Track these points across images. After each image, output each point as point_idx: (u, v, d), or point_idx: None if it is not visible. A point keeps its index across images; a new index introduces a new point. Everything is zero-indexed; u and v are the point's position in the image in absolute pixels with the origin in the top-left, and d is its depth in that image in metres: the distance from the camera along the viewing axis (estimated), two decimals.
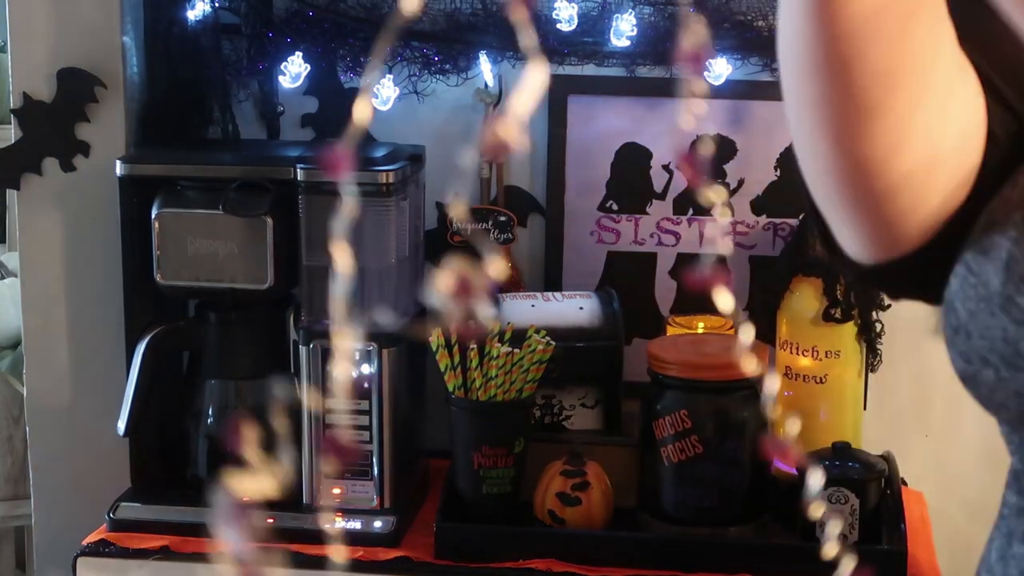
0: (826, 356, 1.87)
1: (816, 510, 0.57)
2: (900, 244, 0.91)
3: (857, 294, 1.86)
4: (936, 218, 0.90)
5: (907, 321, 2.01)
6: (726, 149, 2.04)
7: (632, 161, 2.07)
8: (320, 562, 1.77)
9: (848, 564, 0.58)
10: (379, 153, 1.86)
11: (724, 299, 0.53)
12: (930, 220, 0.90)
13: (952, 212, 0.90)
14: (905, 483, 1.94)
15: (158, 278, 1.86)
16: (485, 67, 2.03)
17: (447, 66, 2.03)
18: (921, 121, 0.86)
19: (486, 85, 2.05)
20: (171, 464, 1.93)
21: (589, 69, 2.02)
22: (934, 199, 0.90)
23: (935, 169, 0.89)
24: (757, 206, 2.06)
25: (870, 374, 1.95)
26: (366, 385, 1.81)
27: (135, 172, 1.88)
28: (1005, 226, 0.87)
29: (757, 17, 1.97)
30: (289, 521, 1.82)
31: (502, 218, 2.04)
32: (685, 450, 1.75)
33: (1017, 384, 0.83)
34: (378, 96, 2.04)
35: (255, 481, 0.47)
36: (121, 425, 1.86)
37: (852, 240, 0.93)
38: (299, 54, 2.03)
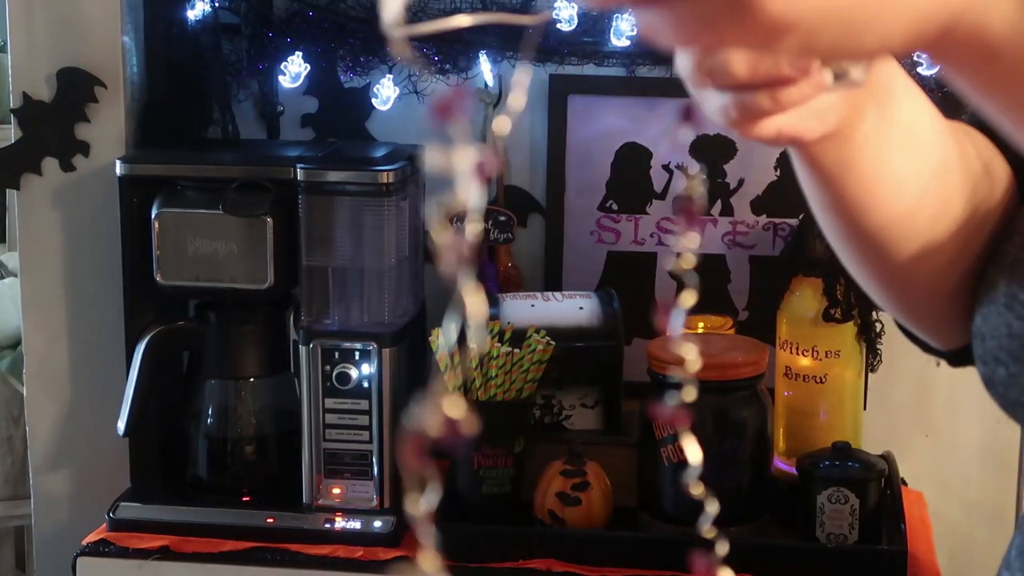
0: (826, 356, 1.87)
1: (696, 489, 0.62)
2: (965, 333, 0.96)
3: (857, 295, 1.86)
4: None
5: None
6: (726, 149, 2.04)
7: (632, 161, 2.07)
8: (320, 562, 1.78)
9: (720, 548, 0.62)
10: (379, 153, 1.86)
11: None
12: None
13: None
14: (905, 483, 1.94)
15: (158, 278, 1.86)
16: (485, 67, 2.03)
17: (447, 66, 2.03)
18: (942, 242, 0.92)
19: (486, 85, 2.05)
20: (171, 464, 1.93)
21: (589, 69, 2.02)
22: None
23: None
24: (757, 206, 2.05)
25: (870, 374, 1.95)
26: (366, 385, 1.81)
27: (135, 172, 1.88)
28: (1012, 235, 0.91)
29: None
30: (289, 521, 1.82)
31: (502, 218, 2.04)
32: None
33: None
34: (378, 96, 2.04)
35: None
36: (121, 425, 1.86)
37: (926, 336, 1.02)
38: (299, 54, 2.03)
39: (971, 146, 0.93)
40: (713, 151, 2.05)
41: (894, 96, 0.85)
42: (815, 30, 0.61)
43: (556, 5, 1.95)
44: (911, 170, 0.88)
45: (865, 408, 1.95)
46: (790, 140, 0.78)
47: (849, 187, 0.86)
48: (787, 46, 0.62)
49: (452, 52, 2.03)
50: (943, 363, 1.03)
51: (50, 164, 2.03)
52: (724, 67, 0.69)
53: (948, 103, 0.94)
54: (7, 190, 2.62)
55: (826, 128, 0.79)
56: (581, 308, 1.92)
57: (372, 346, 1.80)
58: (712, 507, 0.61)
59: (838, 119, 0.79)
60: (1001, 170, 0.94)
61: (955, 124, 0.94)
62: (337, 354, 1.81)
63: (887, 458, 1.86)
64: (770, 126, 0.75)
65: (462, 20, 0.59)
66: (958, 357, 1.00)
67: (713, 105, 0.73)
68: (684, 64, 0.72)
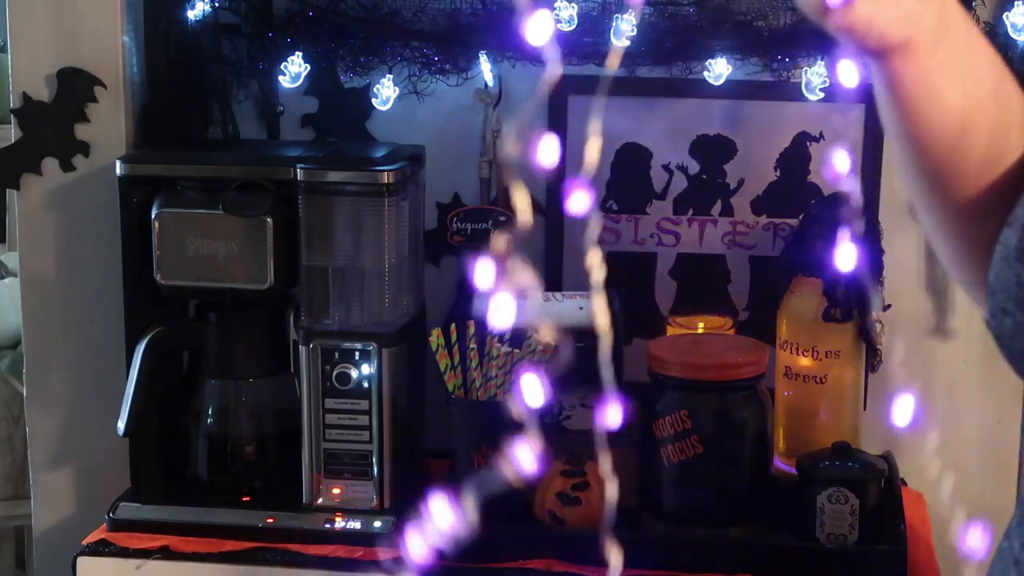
0: (826, 356, 1.87)
1: None
2: None
3: (857, 295, 1.86)
4: None
5: (907, 321, 2.01)
6: (726, 149, 2.04)
7: (632, 161, 2.07)
8: (320, 562, 1.77)
9: None
10: (379, 153, 1.86)
11: None
12: None
13: None
14: (905, 483, 1.94)
15: (158, 278, 1.86)
16: (485, 67, 2.03)
17: (447, 66, 2.03)
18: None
19: (486, 85, 2.05)
20: (171, 464, 1.93)
21: (589, 69, 2.02)
22: None
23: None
24: (757, 206, 2.05)
25: (870, 374, 1.95)
26: (366, 385, 1.81)
27: (135, 172, 1.88)
28: None
29: (757, 17, 1.96)
30: (289, 521, 1.82)
31: (502, 218, 2.04)
32: (685, 450, 1.75)
33: None
34: (378, 96, 2.04)
35: None
36: (121, 425, 1.86)
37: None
38: (299, 54, 2.03)
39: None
40: (713, 151, 2.05)
41: (951, 17, 0.93)
42: None
43: (556, 5, 1.95)
44: (974, 83, 0.95)
45: (865, 408, 1.95)
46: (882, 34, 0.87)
47: (926, 104, 0.94)
48: None
49: (452, 52, 2.03)
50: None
51: (50, 164, 2.03)
52: None
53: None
54: (7, 190, 2.62)
55: (911, 32, 0.88)
56: (581, 308, 1.92)
57: (372, 346, 1.80)
58: None
59: (920, 27, 0.88)
60: None
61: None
62: (337, 354, 1.81)
63: (887, 458, 1.86)
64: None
65: None
66: None
67: None
68: None
